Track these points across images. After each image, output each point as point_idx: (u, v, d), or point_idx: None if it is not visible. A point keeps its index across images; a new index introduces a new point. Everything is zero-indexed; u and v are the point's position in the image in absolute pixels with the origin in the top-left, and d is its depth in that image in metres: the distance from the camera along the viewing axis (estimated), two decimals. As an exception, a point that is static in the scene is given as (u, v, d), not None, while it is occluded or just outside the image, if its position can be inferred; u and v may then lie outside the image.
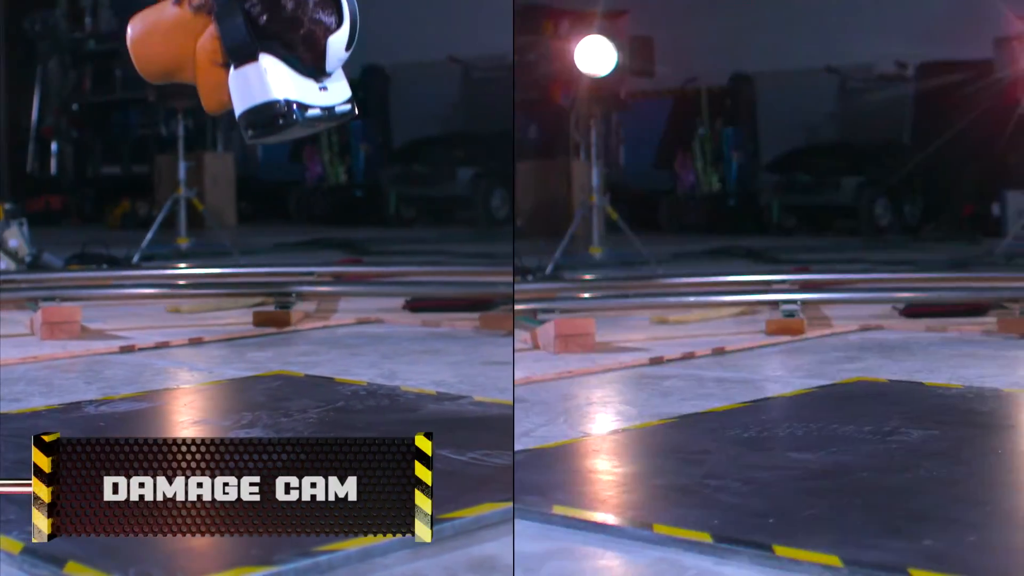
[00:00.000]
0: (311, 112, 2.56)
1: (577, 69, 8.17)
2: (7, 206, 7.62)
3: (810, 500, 2.49)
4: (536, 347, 4.80)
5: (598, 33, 8.22)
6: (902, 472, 2.67)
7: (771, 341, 4.87)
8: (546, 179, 11.87)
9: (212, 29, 2.59)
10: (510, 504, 2.36)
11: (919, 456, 2.80)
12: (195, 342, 4.71)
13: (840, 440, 2.97)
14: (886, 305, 5.48)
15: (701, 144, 12.23)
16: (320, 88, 2.61)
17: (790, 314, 5.08)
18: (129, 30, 2.68)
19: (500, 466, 2.63)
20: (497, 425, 3.07)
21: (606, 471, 2.79)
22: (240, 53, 2.51)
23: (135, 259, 8.84)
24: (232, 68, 2.51)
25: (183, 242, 9.68)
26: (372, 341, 4.85)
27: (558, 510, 2.46)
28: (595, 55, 8.10)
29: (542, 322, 4.91)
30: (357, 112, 2.68)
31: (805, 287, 5.87)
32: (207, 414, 3.15)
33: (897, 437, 2.98)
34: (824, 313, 5.47)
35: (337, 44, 2.57)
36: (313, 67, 2.58)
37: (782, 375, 4.17)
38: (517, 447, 3.07)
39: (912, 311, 5.32)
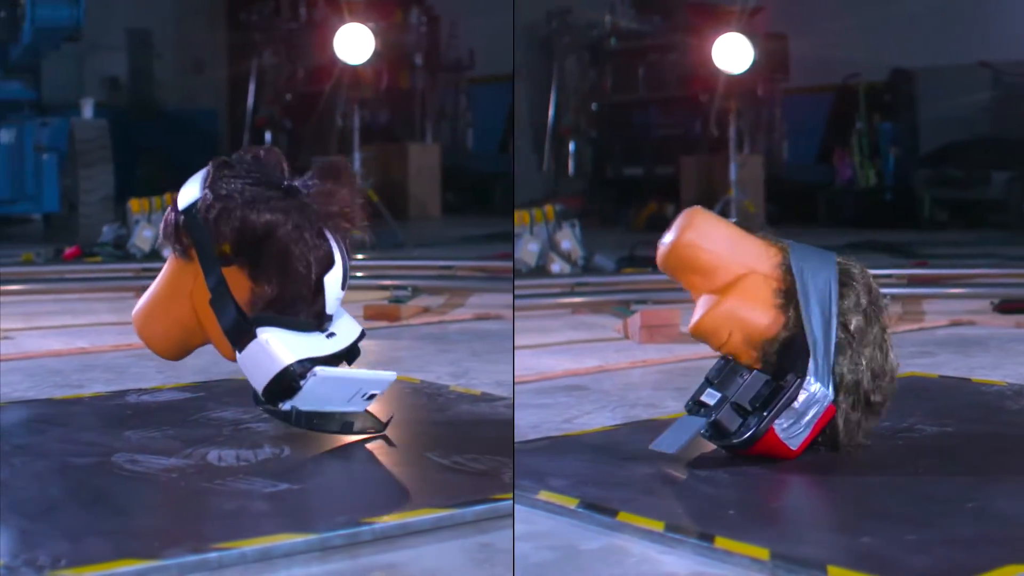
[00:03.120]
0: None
1: (715, 66, 8.09)
2: (557, 207, 7.57)
3: (782, 494, 2.44)
4: (626, 337, 4.77)
5: (736, 30, 8.12)
6: (890, 469, 2.58)
7: (853, 335, 4.74)
8: (708, 174, 11.75)
9: (200, 278, 2.61)
10: (446, 510, 2.29)
11: (917, 453, 2.70)
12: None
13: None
14: (986, 300, 5.29)
15: (858, 139, 11.95)
16: (327, 336, 2.65)
17: (878, 308, 4.93)
18: (135, 324, 2.75)
19: (476, 470, 2.56)
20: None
21: (610, 459, 2.76)
22: (239, 334, 2.56)
23: None
24: (238, 352, 2.57)
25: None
26: (473, 338, 4.79)
27: (543, 496, 2.45)
28: (732, 52, 8.00)
29: (633, 312, 4.89)
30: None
31: (912, 282, 5.74)
32: (230, 405, 3.10)
33: (908, 433, 2.88)
34: (922, 308, 5.31)
35: (332, 282, 2.62)
36: (314, 319, 2.60)
37: (843, 369, 4.05)
38: (550, 434, 3.07)
39: (1005, 307, 5.13)
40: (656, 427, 3.10)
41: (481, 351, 4.46)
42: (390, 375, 2.76)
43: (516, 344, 4.61)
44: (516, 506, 2.41)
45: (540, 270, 7.30)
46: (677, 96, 12.25)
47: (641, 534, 2.24)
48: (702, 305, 2.66)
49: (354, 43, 9.28)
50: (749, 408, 2.54)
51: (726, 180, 9.43)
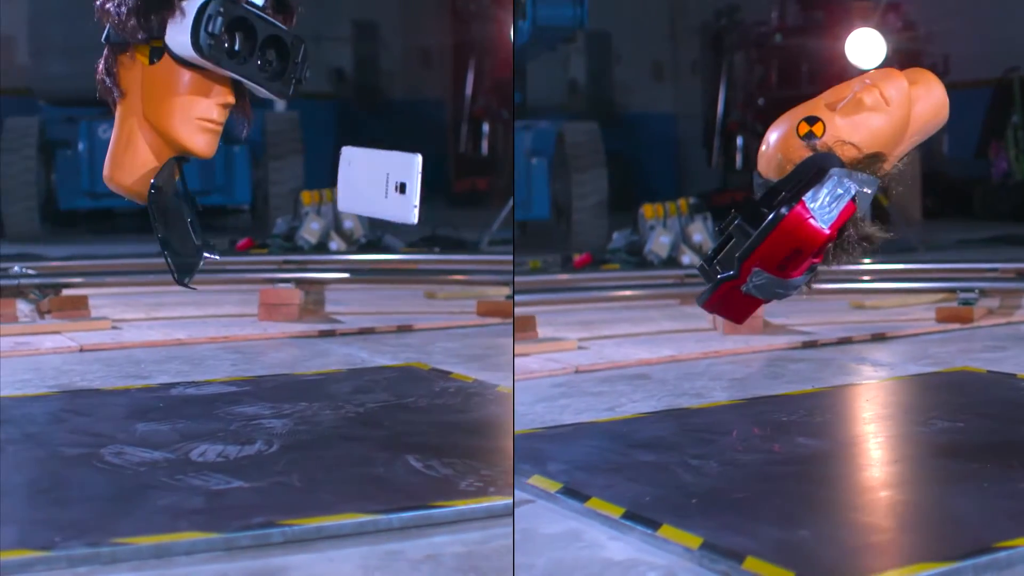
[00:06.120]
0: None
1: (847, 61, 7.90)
2: (691, 200, 7.67)
3: (751, 485, 2.40)
4: (714, 328, 4.73)
5: (871, 25, 7.91)
6: (875, 463, 2.52)
7: (935, 328, 4.59)
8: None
9: (147, 91, 2.44)
10: (371, 516, 2.19)
11: (910, 447, 2.63)
12: (404, 329, 4.55)
13: (855, 428, 2.83)
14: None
15: (1014, 133, 11.50)
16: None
17: (965, 302, 4.78)
18: (109, 183, 2.54)
19: (444, 473, 2.46)
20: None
21: (619, 446, 2.75)
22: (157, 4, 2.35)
23: None
24: (165, 39, 2.26)
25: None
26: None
27: (533, 481, 2.47)
28: (865, 48, 7.80)
29: (720, 304, 4.82)
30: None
31: (1020, 275, 5.54)
32: (261, 400, 3.05)
33: (917, 428, 2.80)
34: (1019, 303, 5.11)
35: None
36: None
37: (901, 363, 3.93)
38: (583, 420, 3.08)
39: (1097, 303, 4.91)
40: (686, 416, 3.09)
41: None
42: (414, 156, 2.25)
43: (604, 334, 4.61)
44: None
45: (671, 261, 7.25)
46: (837, 91, 11.93)
47: (601, 520, 2.24)
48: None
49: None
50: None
51: (884, 174, 9.08)
